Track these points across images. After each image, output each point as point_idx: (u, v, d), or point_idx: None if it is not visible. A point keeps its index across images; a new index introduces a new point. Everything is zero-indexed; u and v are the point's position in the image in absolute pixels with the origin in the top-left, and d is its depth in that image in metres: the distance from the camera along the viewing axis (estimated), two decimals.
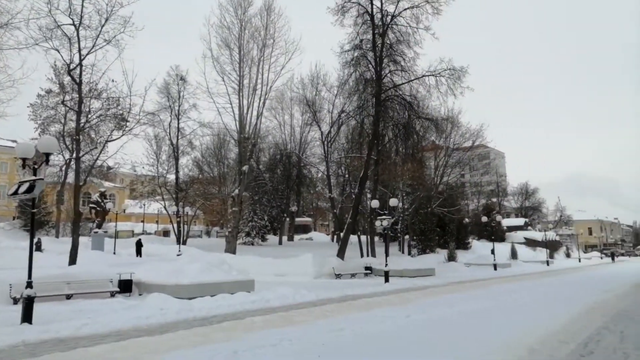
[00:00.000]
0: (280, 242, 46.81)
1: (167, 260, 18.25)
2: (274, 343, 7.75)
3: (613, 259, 63.77)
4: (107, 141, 21.64)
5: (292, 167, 47.13)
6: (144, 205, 45.76)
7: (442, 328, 9.31)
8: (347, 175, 39.74)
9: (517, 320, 9.90)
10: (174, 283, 14.02)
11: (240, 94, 29.82)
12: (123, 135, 28.49)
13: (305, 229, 69.85)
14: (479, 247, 46.98)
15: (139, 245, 28.58)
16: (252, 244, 44.67)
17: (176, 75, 38.89)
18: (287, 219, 53.93)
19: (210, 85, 30.55)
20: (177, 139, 40.02)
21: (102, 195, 39.04)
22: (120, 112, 28.53)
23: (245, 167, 29.58)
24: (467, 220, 50.19)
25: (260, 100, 29.94)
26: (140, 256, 27.37)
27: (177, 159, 40.49)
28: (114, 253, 26.30)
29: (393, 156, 31.81)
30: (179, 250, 28.69)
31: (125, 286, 14.67)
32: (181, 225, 40.00)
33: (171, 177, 42.39)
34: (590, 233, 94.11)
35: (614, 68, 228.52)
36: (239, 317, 10.60)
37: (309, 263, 24.24)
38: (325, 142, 35.82)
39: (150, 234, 51.45)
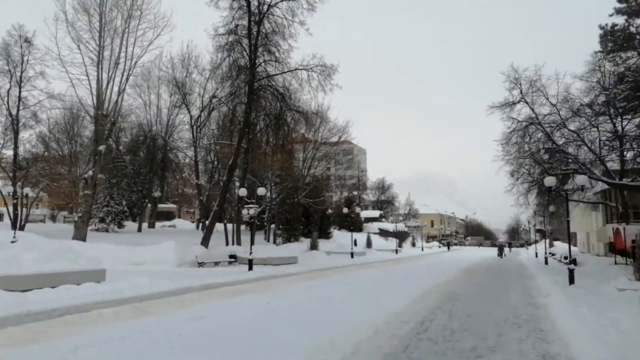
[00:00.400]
0: (139, 229, 43.71)
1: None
2: (122, 336, 7.27)
3: (449, 248, 73.93)
4: None
5: (157, 150, 44.23)
6: None
7: (301, 313, 9.69)
8: (216, 163, 38.75)
9: (367, 304, 10.78)
10: (4, 274, 12.19)
11: (100, 66, 26.95)
12: None
13: (169, 215, 66.44)
14: (340, 236, 49.86)
15: None
16: (107, 231, 40.97)
17: (19, 36, 33.59)
18: (149, 205, 50.62)
19: (63, 53, 26.92)
20: (18, 110, 34.71)
21: None
22: None
23: (101, 147, 26.93)
24: (330, 211, 52.88)
25: (123, 75, 27.44)
26: None
27: (16, 133, 35.10)
28: None
29: (264, 146, 31.90)
30: (14, 237, 25.03)
31: None
32: (18, 208, 34.91)
33: (8, 152, 36.72)
34: (432, 225, 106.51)
35: (467, 74, 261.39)
36: (84, 310, 9.66)
37: (171, 251, 23.17)
38: (195, 127, 34.36)
39: None
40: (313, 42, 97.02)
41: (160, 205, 59.07)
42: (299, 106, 29.68)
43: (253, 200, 23.62)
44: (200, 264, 23.20)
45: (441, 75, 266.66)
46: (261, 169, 33.65)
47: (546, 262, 30.88)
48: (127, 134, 46.20)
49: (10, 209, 34.51)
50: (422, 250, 62.34)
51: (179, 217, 70.23)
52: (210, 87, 33.73)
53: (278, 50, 27.51)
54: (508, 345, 7.33)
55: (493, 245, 49.38)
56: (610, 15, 22.90)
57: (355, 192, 74.34)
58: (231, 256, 26.03)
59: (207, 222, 29.83)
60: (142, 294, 12.50)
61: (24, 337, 7.14)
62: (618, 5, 22.47)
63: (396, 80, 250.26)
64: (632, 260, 20.82)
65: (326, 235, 48.17)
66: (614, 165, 25.63)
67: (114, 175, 42.72)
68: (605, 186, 29.08)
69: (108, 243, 25.99)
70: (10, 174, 35.17)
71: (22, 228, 33.91)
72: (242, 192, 21.74)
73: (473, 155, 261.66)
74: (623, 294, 12.89)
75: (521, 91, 24.70)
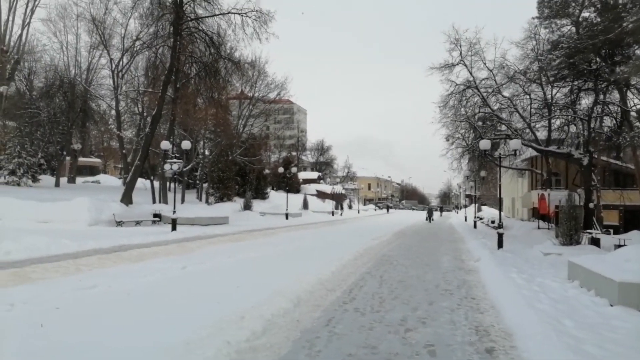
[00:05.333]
0: (57, 184, 40.04)
1: None
2: None
3: (388, 210, 75.87)
4: None
5: (76, 97, 40.02)
6: None
7: (214, 280, 8.59)
8: (144, 114, 35.75)
9: (292, 268, 9.88)
10: None
11: None
12: None
13: (92, 170, 62.14)
14: (276, 197, 48.89)
15: None
16: (19, 185, 37.10)
17: None
18: (68, 158, 46.45)
19: None
20: None
21: None
22: None
23: (2, 88, 23.57)
24: (267, 171, 51.52)
25: (28, 5, 23.83)
26: None
27: None
28: None
29: (195, 98, 29.56)
30: None
31: None
32: None
33: None
34: (369, 188, 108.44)
35: (408, 36, 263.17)
36: None
37: (84, 208, 20.98)
38: (116, 73, 31.04)
39: None
40: None
41: (82, 159, 54.76)
42: (232, 55, 27.47)
43: (178, 155, 21.76)
44: (119, 223, 21.30)
45: (381, 36, 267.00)
46: (193, 123, 31.38)
47: (475, 226, 31.88)
48: (40, 78, 41.29)
49: None
50: (359, 212, 63.06)
51: (105, 172, 65.79)
52: (133, 28, 30.45)
53: None
54: (439, 315, 6.72)
55: (426, 209, 49.32)
56: None
57: (294, 153, 73.25)
58: (155, 215, 24.26)
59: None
60: (34, 256, 10.87)
61: None
62: None
63: (334, 39, 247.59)
64: (554, 225, 21.67)
65: (262, 196, 47.00)
66: (541, 133, 26.38)
67: (26, 123, 38.32)
68: (533, 154, 30.14)
69: (13, 198, 23.20)
70: None
71: None
72: (165, 145, 19.82)
73: (410, 120, 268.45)
74: (548, 258, 13.02)
75: (461, 53, 24.39)
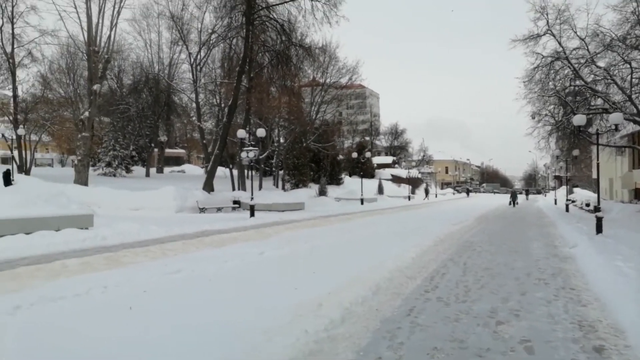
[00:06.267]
0: (147, 174, 43.13)
1: None
2: (79, 292, 6.18)
3: (468, 194, 72.80)
4: None
5: (160, 92, 42.59)
6: None
7: (292, 266, 8.55)
8: (222, 105, 37.12)
9: (369, 254, 9.60)
10: None
11: None
12: None
13: (178, 160, 66.01)
14: (351, 182, 48.76)
15: (7, 176, 23.71)
16: (114, 176, 40.46)
17: None
18: (156, 150, 49.76)
19: None
20: (13, 48, 33.10)
21: None
22: None
23: (96, 86, 25.44)
24: (341, 156, 51.48)
25: (114, 7, 25.41)
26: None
27: (13, 73, 33.71)
28: None
29: (271, 89, 30.05)
30: (12, 180, 24.38)
31: None
32: (21, 152, 34.23)
33: (7, 93, 35.56)
34: (447, 172, 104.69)
35: (485, 19, 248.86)
36: (53, 259, 8.67)
37: (170, 196, 22.24)
38: (194, 66, 32.44)
39: None
40: None
41: (168, 150, 58.36)
42: (303, 42, 27.42)
43: (253, 143, 22.25)
44: (202, 210, 22.33)
45: (457, 12, 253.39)
46: (267, 111, 32.00)
47: (567, 209, 29.38)
48: (128, 75, 44.45)
49: (15, 153, 33.86)
50: (436, 197, 60.92)
51: (189, 162, 69.71)
52: (208, 22, 31.58)
53: None
54: (534, 307, 6.09)
55: (510, 193, 45.62)
56: None
57: (367, 138, 72.51)
58: (235, 202, 25.13)
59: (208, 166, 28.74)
60: (127, 241, 11.59)
61: None
62: None
63: (406, 17, 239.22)
64: None
65: (337, 182, 47.11)
66: None
67: (118, 118, 41.51)
68: (634, 128, 27.04)
69: (110, 187, 25.21)
70: (11, 118, 34.13)
71: (27, 172, 33.39)
72: (241, 133, 20.31)
73: (489, 100, 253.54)
74: None
75: (547, 22, 22.29)
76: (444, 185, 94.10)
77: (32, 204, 13.07)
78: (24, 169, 33.45)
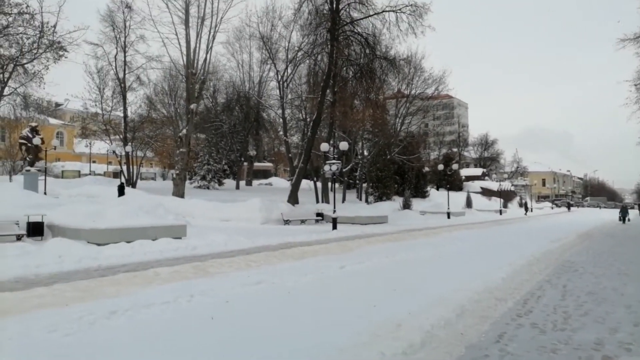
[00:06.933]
0: (237, 187, 45.38)
1: (90, 203, 16.55)
2: (168, 300, 6.52)
3: (569, 208, 66.97)
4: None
5: (250, 109, 44.83)
6: (90, 144, 42.79)
7: (371, 283, 8.33)
8: (307, 119, 38.09)
9: (454, 272, 9.07)
10: (89, 227, 12.48)
11: (187, 24, 27.04)
12: (56, 61, 25.72)
13: (265, 174, 68.58)
14: (437, 195, 47.11)
15: (121, 188, 26.69)
16: (208, 188, 43.14)
17: (121, 1, 35.08)
18: (246, 164, 52.25)
19: (153, 13, 27.66)
20: (124, 74, 36.87)
21: (33, 130, 35.74)
22: (58, 39, 25.59)
23: (193, 106, 27.38)
24: (427, 169, 50.05)
25: (210, 32, 27.30)
26: None
27: (124, 96, 37.51)
28: (44, 193, 24.20)
29: (355, 102, 30.23)
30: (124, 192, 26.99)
31: (35, 229, 13.00)
32: (129, 166, 37.86)
33: (118, 114, 39.57)
34: (544, 184, 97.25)
35: (581, 24, 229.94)
36: (148, 267, 9.31)
37: (256, 208, 23.05)
38: (281, 82, 33.71)
39: (99, 174, 48.84)
40: None
41: (257, 164, 60.92)
42: (387, 54, 27.20)
43: (336, 156, 22.38)
44: (286, 222, 22.83)
45: (554, 16, 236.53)
46: (351, 124, 32.15)
47: None
48: (222, 95, 47.36)
49: (125, 168, 37.59)
50: (531, 211, 56.59)
51: (276, 175, 72.17)
52: (295, 40, 32.68)
53: None
54: None
55: (620, 207, 40.30)
56: None
57: (454, 149, 69.86)
58: (318, 214, 25.38)
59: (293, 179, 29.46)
60: (215, 251, 12.12)
61: (71, 296, 6.74)
62: None
63: (499, 23, 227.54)
64: None
65: (422, 194, 45.81)
66: None
67: (212, 134, 44.34)
68: None
69: (202, 199, 26.80)
70: (121, 136, 37.89)
71: (134, 185, 36.79)
72: (324, 147, 20.53)
73: (593, 107, 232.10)
74: None
75: None
76: (540, 198, 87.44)
77: (134, 214, 14.22)
78: (131, 182, 36.82)
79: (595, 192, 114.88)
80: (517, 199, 66.32)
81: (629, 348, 5.05)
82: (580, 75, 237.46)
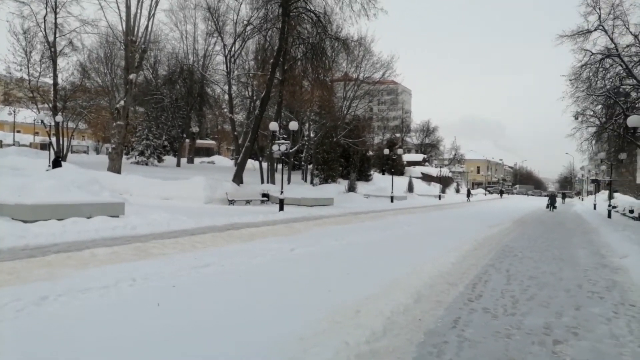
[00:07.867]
0: (178, 164, 43.66)
1: (15, 176, 15.08)
2: (107, 284, 5.98)
3: (501, 195, 71.11)
4: None
5: (194, 83, 42.97)
6: (14, 112, 39.26)
7: (324, 266, 8.18)
8: (254, 97, 37.13)
9: (405, 256, 9.13)
10: (15, 202, 11.34)
11: None
12: None
13: (208, 152, 66.66)
14: (380, 179, 48.08)
15: (56, 162, 24.52)
16: (146, 164, 41.14)
17: None
18: (188, 140, 50.35)
19: None
20: (55, 37, 33.82)
21: None
22: None
23: (132, 76, 25.72)
24: (371, 152, 50.81)
25: None
26: None
27: (54, 62, 34.48)
28: None
29: (302, 80, 29.69)
30: (49, 165, 25.01)
31: None
32: (59, 138, 35.13)
33: (47, 81, 36.43)
34: (478, 171, 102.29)
35: (521, 19, 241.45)
36: (83, 248, 8.57)
37: (200, 187, 22.23)
38: (229, 58, 32.43)
39: (24, 145, 45.09)
40: None
41: (199, 141, 58.94)
42: (339, 34, 26.90)
43: (284, 136, 21.99)
44: (231, 202, 22.24)
45: (493, 9, 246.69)
46: (299, 105, 31.73)
47: (609, 215, 27.92)
48: (164, 66, 45.03)
49: (53, 139, 34.78)
50: (474, 196, 58.86)
51: (219, 153, 70.36)
52: (244, 13, 31.47)
53: None
54: (593, 325, 5.51)
55: (548, 195, 42.60)
56: None
57: (398, 135, 71.39)
58: (264, 195, 24.97)
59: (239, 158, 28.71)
60: (157, 231, 11.48)
61: None
62: None
63: (441, 12, 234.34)
64: None
65: (366, 178, 46.53)
66: None
67: (152, 108, 42.14)
68: None
69: (141, 175, 25.47)
70: (50, 105, 34.98)
71: (64, 158, 34.23)
72: (273, 126, 20.06)
73: (527, 100, 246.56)
74: None
75: (599, 17, 21.09)
76: (475, 185, 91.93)
77: (66, 190, 13.11)
78: (61, 155, 34.25)
79: (524, 180, 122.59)
80: (454, 185, 69.28)
81: (575, 332, 5.23)
82: (520, 68, 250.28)
